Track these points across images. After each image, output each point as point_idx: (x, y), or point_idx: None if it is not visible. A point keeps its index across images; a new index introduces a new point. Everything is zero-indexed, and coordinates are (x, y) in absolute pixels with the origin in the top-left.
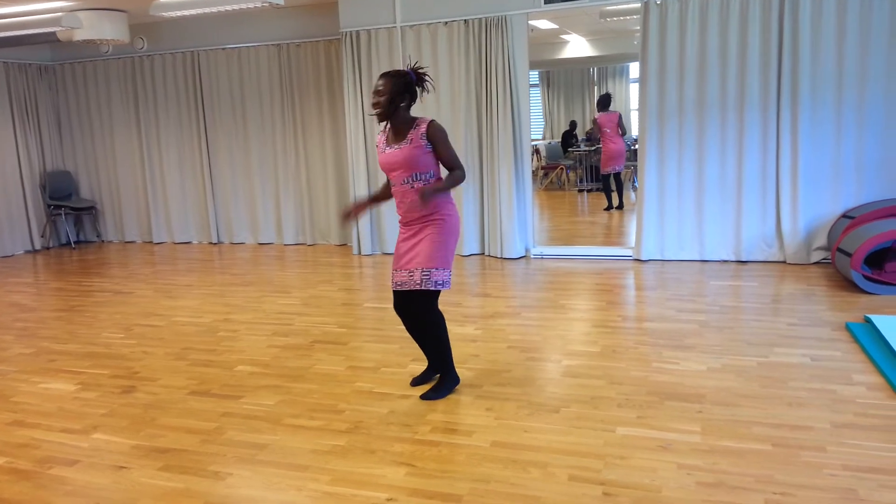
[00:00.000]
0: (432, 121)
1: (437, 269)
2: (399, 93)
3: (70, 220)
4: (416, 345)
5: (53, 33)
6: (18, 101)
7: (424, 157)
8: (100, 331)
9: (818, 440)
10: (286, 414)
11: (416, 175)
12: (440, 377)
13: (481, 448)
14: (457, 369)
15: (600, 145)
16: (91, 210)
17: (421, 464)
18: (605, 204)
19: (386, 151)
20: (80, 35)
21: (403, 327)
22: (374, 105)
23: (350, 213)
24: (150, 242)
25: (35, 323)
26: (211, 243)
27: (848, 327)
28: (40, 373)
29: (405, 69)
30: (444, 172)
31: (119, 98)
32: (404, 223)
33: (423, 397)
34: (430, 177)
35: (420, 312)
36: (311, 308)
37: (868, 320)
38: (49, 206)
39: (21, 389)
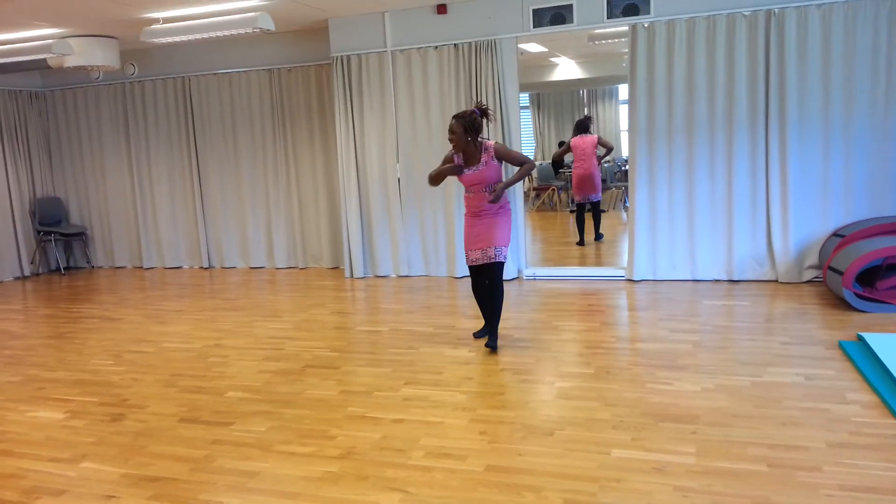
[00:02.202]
0: (496, 143)
1: (506, 246)
2: (467, 130)
3: (60, 246)
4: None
5: (44, 60)
6: (9, 127)
7: (495, 172)
8: (89, 358)
9: (813, 460)
10: (277, 440)
11: (490, 186)
12: (494, 330)
13: (475, 472)
14: (449, 392)
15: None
16: (81, 236)
17: (414, 490)
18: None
19: (466, 173)
20: (70, 61)
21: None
22: (451, 141)
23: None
24: (141, 268)
25: (23, 350)
26: (202, 268)
27: (841, 346)
28: (28, 401)
29: (471, 109)
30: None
31: (110, 124)
32: (476, 214)
33: (490, 346)
34: (498, 182)
35: (495, 279)
36: (302, 332)
37: (861, 338)
38: (39, 232)
39: (8, 418)
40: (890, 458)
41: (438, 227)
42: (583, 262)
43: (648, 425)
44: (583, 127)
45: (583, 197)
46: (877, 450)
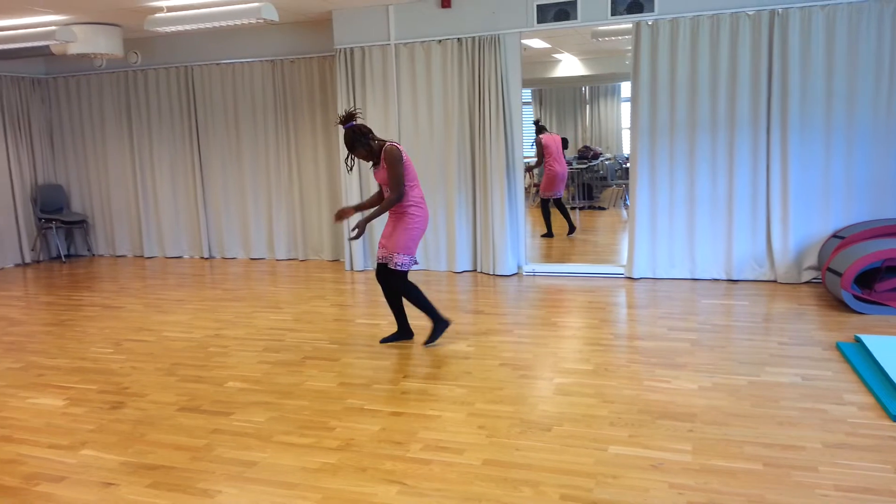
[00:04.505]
0: (385, 147)
1: (400, 253)
2: (356, 142)
3: (61, 234)
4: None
5: (47, 47)
6: (11, 114)
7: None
8: (89, 345)
9: (810, 460)
10: (276, 431)
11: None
12: (433, 327)
13: (473, 466)
14: (448, 386)
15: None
16: (82, 224)
17: (412, 482)
18: (575, 224)
19: (373, 171)
20: (74, 49)
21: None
22: (362, 158)
23: (341, 214)
24: (142, 257)
25: (24, 337)
26: (202, 258)
27: (838, 347)
28: (28, 388)
29: (348, 123)
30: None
31: (112, 112)
32: (390, 213)
33: (425, 344)
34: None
35: (394, 286)
36: (302, 324)
37: (858, 340)
38: (40, 219)
39: (9, 404)
40: (885, 459)
41: (438, 222)
42: (583, 259)
43: (646, 422)
44: (541, 127)
45: (552, 192)
46: (872, 451)
